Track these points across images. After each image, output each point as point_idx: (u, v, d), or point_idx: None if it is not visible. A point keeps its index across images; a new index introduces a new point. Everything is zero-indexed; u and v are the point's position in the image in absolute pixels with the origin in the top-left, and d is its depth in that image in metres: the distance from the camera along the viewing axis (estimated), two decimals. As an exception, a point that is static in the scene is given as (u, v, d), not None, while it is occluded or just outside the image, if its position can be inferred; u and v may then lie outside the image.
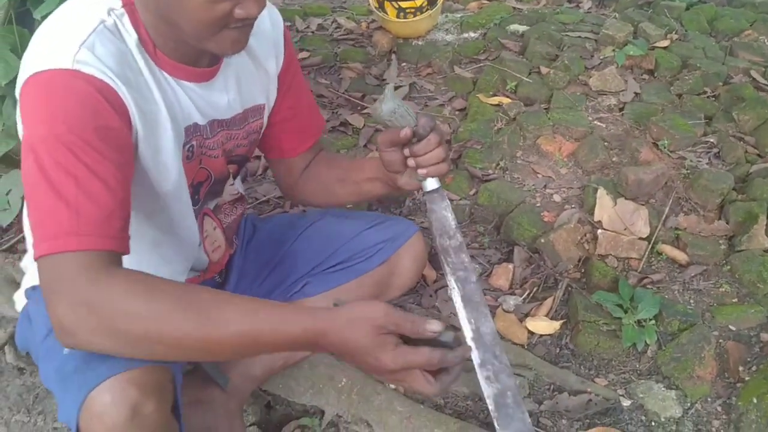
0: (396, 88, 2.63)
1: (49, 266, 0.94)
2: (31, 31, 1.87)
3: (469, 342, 1.28)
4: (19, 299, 1.34)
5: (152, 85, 1.10)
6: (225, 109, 1.26)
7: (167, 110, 1.12)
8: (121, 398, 0.97)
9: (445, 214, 1.31)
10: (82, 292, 0.92)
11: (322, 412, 1.55)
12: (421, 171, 1.26)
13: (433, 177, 1.27)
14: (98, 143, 0.97)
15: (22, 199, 2.00)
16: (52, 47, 1.00)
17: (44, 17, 1.68)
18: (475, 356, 1.27)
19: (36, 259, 0.95)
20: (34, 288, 1.28)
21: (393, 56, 2.85)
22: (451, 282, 1.30)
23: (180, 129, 1.17)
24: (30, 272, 1.33)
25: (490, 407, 1.27)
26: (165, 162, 1.14)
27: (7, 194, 2.00)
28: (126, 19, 1.07)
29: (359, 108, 2.53)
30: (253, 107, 1.33)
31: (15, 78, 1.78)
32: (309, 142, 1.46)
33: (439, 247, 1.31)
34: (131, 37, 1.07)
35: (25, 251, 1.93)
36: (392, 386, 1.44)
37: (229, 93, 1.25)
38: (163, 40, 1.10)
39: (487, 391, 1.27)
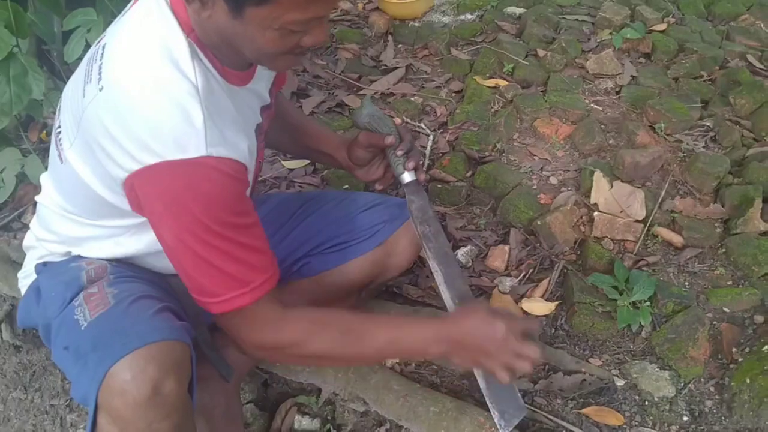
0: (392, 69, 2.62)
1: (238, 317, 1.12)
2: (24, 8, 1.85)
3: None
4: (24, 276, 1.33)
5: (233, 110, 1.11)
6: (265, 95, 1.27)
7: (245, 124, 1.15)
8: (142, 376, 0.98)
9: (423, 204, 1.42)
10: (266, 337, 1.15)
11: (319, 390, 1.56)
12: (408, 165, 1.41)
13: (411, 170, 1.41)
14: (243, 219, 1.09)
15: (17, 177, 1.99)
16: (175, 135, 1.00)
17: (39, -6, 1.67)
18: None
19: (221, 313, 1.11)
20: (45, 264, 1.28)
21: (389, 38, 2.84)
22: (433, 265, 1.38)
23: (253, 136, 1.19)
24: (36, 249, 1.32)
25: (481, 384, 1.30)
26: (251, 173, 1.16)
27: (1, 172, 1.99)
28: (200, 56, 1.06)
29: (355, 89, 2.52)
30: (272, 77, 1.33)
31: (8, 55, 1.77)
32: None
33: (420, 233, 1.40)
34: (214, 76, 1.08)
35: (20, 230, 1.93)
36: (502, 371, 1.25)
37: (264, 77, 1.26)
38: (224, 56, 1.10)
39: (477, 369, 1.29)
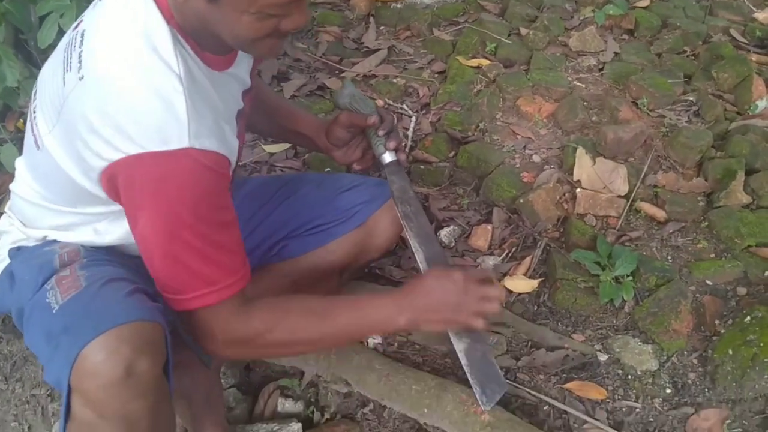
0: (374, 51, 2.60)
1: (202, 316, 1.11)
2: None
3: None
4: None
5: (216, 98, 1.10)
6: (246, 78, 1.26)
7: (226, 112, 1.13)
8: (115, 356, 0.97)
9: (404, 184, 1.42)
10: (232, 333, 1.13)
11: (302, 373, 1.56)
12: (389, 144, 1.41)
13: (392, 150, 1.41)
14: (221, 216, 1.08)
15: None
16: (158, 125, 0.98)
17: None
18: None
19: (184, 310, 1.10)
20: (18, 248, 1.27)
21: (371, 19, 2.81)
22: (415, 244, 1.38)
23: (233, 123, 1.17)
24: (9, 234, 1.31)
25: (463, 362, 1.31)
26: (232, 165, 1.14)
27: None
28: (182, 43, 1.04)
29: (337, 72, 2.49)
30: (252, 59, 1.31)
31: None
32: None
33: (401, 213, 1.40)
34: (196, 63, 1.07)
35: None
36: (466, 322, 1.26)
37: (245, 60, 1.24)
38: (205, 42, 1.08)
39: (458, 346, 1.31)
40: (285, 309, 1.19)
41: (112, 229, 1.22)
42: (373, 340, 1.58)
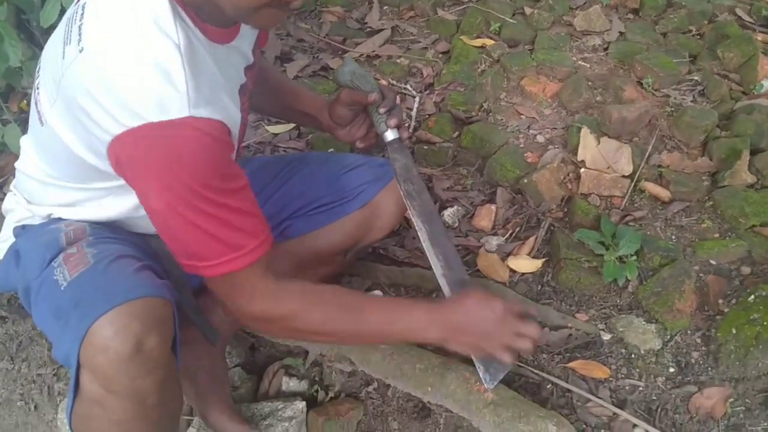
0: (378, 31, 2.59)
1: (230, 282, 1.10)
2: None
3: (440, 277, 1.35)
4: (2, 240, 1.32)
5: (216, 70, 1.09)
6: (249, 54, 1.25)
7: (228, 84, 1.12)
8: (125, 332, 0.97)
9: (407, 162, 1.41)
10: (261, 308, 1.14)
11: (306, 352, 1.56)
12: (390, 122, 1.39)
13: (394, 128, 1.39)
14: (231, 181, 1.06)
15: None
16: (157, 96, 0.97)
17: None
18: (446, 290, 1.33)
19: (213, 276, 1.09)
20: (24, 227, 1.27)
21: (374, -1, 2.80)
22: (418, 223, 1.38)
23: (236, 97, 1.16)
24: (14, 212, 1.31)
25: None
26: (235, 135, 1.12)
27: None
28: (182, 14, 1.03)
29: (340, 52, 2.48)
30: (255, 36, 1.30)
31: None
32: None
33: (404, 191, 1.40)
34: (195, 35, 1.05)
35: (1, 200, 1.91)
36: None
37: (247, 36, 1.23)
38: (206, 14, 1.07)
39: None
40: (320, 298, 1.19)
41: (118, 203, 1.22)
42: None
